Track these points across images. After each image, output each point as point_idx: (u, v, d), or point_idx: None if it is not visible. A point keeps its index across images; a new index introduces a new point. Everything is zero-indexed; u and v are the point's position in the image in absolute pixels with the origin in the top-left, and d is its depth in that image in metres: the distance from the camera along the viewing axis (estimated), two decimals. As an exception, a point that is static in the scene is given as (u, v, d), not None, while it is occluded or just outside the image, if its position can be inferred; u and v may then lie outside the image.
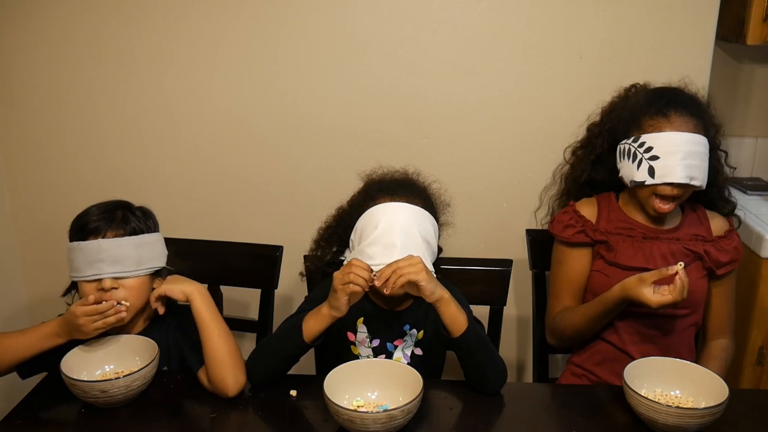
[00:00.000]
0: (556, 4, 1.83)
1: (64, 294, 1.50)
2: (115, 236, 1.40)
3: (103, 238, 1.39)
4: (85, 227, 1.41)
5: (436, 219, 1.52)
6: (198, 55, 1.92)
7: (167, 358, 1.48)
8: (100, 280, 1.38)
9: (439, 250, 1.61)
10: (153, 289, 1.45)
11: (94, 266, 1.38)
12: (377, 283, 1.32)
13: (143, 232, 1.45)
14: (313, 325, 1.37)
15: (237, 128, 1.98)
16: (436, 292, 1.33)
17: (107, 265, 1.38)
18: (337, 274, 1.34)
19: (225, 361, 1.36)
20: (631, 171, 1.54)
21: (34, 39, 1.93)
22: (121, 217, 1.43)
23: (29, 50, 1.95)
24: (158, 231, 1.51)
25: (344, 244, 1.57)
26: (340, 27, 1.88)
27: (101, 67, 1.94)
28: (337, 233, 1.58)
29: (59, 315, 1.42)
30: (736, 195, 1.77)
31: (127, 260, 1.40)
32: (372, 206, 1.45)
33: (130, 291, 1.41)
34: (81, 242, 1.39)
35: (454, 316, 1.34)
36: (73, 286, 1.47)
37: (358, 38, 1.88)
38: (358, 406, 1.30)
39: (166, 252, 1.52)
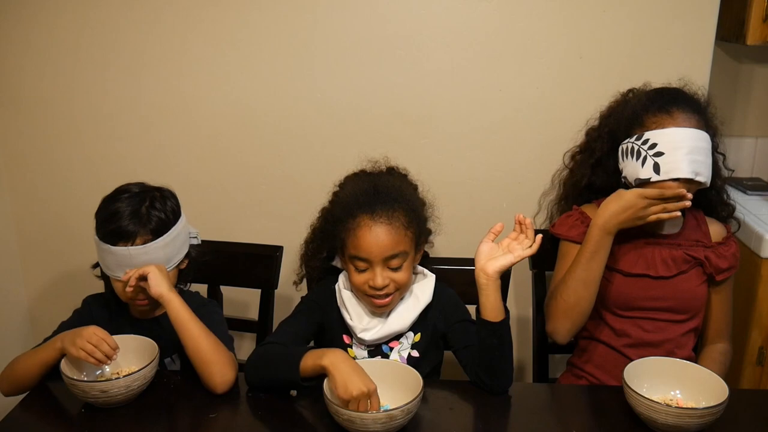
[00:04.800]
0: (556, 5, 1.83)
1: (95, 266, 1.55)
2: (144, 242, 1.43)
3: (132, 245, 1.42)
4: (115, 232, 1.42)
5: (423, 222, 1.52)
6: (200, 55, 1.92)
7: (173, 346, 1.48)
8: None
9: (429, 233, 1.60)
10: (180, 270, 1.53)
11: (124, 269, 1.42)
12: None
13: (167, 225, 1.47)
14: (311, 368, 1.32)
15: (237, 128, 1.98)
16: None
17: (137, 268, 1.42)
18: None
19: (211, 360, 1.37)
20: (635, 169, 1.53)
21: (33, 39, 1.93)
22: (146, 215, 1.45)
23: (29, 50, 1.95)
24: (180, 213, 1.53)
25: (333, 250, 1.57)
26: (340, 27, 1.87)
27: (101, 68, 1.94)
28: (324, 242, 1.58)
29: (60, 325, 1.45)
30: (736, 195, 1.76)
31: (155, 263, 1.43)
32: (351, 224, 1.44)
33: None
34: (111, 246, 1.42)
35: (494, 306, 1.38)
36: None
37: (359, 38, 1.88)
38: (358, 406, 1.30)
39: (188, 230, 1.56)
